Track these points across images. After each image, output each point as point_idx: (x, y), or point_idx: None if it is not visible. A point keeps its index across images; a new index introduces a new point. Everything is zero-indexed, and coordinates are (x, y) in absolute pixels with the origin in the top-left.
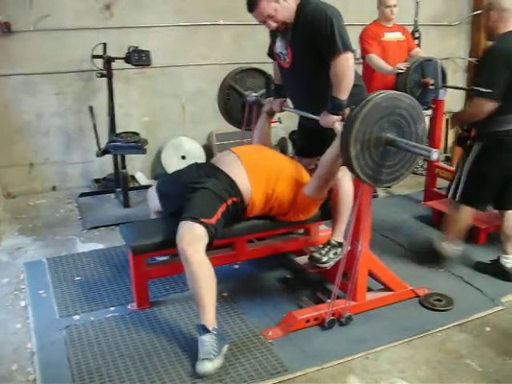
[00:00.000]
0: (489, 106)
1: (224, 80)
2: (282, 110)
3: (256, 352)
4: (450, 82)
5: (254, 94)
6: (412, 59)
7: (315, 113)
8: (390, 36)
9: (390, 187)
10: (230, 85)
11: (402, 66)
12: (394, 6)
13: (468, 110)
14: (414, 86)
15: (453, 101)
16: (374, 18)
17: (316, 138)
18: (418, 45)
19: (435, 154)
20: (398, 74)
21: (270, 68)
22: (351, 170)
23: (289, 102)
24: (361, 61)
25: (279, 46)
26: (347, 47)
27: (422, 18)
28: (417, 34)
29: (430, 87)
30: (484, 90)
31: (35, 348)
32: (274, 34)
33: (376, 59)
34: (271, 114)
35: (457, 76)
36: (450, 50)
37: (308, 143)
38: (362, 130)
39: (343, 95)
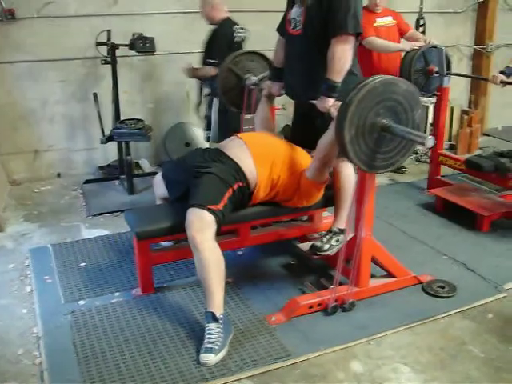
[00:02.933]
0: None
1: (223, 63)
2: (280, 94)
3: (259, 337)
4: (455, 70)
5: (254, 78)
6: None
7: (311, 93)
8: (381, 21)
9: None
10: (229, 68)
11: (420, 44)
12: None
13: None
14: (418, 74)
15: (457, 89)
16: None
17: (311, 126)
18: (423, 32)
19: (430, 141)
20: (406, 53)
21: (271, 55)
22: (345, 154)
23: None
24: None
25: (294, 11)
26: (357, 29)
27: (427, 5)
28: (422, 22)
29: (435, 75)
30: None
31: (41, 332)
32: (291, 2)
33: (378, 40)
34: (271, 98)
35: (462, 64)
36: (455, 37)
37: (303, 131)
38: (357, 115)
39: (337, 77)
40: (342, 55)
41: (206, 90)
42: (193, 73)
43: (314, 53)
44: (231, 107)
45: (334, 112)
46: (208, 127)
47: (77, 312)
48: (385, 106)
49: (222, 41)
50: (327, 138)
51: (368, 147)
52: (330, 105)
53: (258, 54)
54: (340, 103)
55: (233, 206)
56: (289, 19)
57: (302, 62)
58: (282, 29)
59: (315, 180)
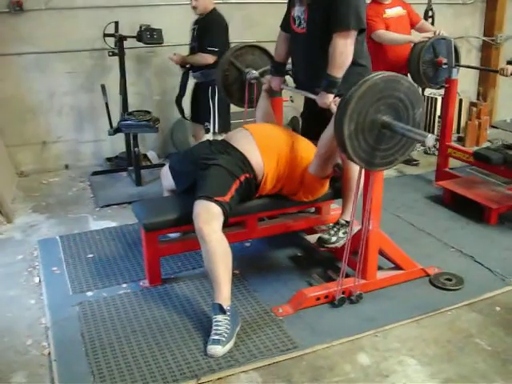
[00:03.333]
0: None
1: (224, 56)
2: (281, 89)
3: (266, 329)
4: (464, 62)
5: (254, 72)
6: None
7: (318, 89)
8: (391, 12)
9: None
10: (230, 61)
11: (429, 35)
12: None
13: None
14: (426, 65)
15: (465, 81)
16: None
17: (320, 117)
18: (432, 23)
19: (430, 140)
20: (415, 45)
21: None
22: (344, 150)
23: (289, 80)
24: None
25: (297, 9)
26: (359, 24)
27: None
28: (430, 13)
29: (443, 66)
30: None
31: (49, 323)
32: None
33: (387, 33)
34: (271, 92)
35: (471, 55)
36: (464, 29)
37: (313, 123)
38: (357, 110)
39: (338, 73)
40: (344, 50)
41: (198, 79)
42: (183, 60)
43: (319, 50)
44: (231, 100)
45: (334, 108)
46: (196, 118)
47: (85, 303)
48: (385, 103)
49: (219, 29)
50: (328, 134)
51: (367, 144)
52: (330, 101)
53: (259, 48)
54: (340, 99)
55: (240, 198)
56: (293, 17)
57: (309, 58)
58: (284, 25)
59: (318, 175)
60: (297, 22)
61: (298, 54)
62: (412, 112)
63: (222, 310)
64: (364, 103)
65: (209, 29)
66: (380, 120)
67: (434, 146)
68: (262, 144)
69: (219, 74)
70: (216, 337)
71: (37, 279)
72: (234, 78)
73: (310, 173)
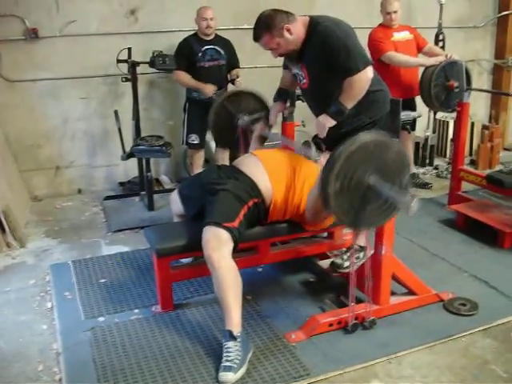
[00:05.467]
0: None
1: (218, 99)
2: (288, 112)
3: (279, 355)
4: (475, 85)
5: (246, 117)
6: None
7: (344, 125)
8: (399, 36)
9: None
10: (223, 105)
11: (441, 59)
12: (395, 12)
13: None
14: (438, 89)
15: (477, 104)
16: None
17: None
18: (442, 47)
19: (414, 207)
20: (426, 69)
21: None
22: (328, 207)
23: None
24: None
25: (294, 67)
26: (366, 62)
27: (446, 20)
28: (441, 37)
29: (455, 90)
30: None
31: (61, 349)
32: (287, 59)
33: (398, 55)
34: (262, 139)
35: (482, 78)
36: (475, 52)
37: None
38: (344, 169)
39: (349, 104)
40: (359, 88)
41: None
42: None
43: (327, 99)
44: (220, 143)
45: (323, 161)
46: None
47: (96, 328)
48: (374, 165)
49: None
50: (314, 192)
51: (351, 204)
52: (329, 125)
53: (253, 95)
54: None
55: (248, 223)
56: (293, 73)
57: (320, 108)
58: (286, 65)
59: (314, 221)
60: (298, 79)
61: (309, 103)
62: (399, 176)
63: (233, 337)
64: (352, 162)
65: (233, 51)
66: (367, 182)
67: (447, 170)
68: (270, 169)
69: (211, 116)
70: (227, 363)
71: (49, 304)
72: (225, 122)
73: (309, 219)
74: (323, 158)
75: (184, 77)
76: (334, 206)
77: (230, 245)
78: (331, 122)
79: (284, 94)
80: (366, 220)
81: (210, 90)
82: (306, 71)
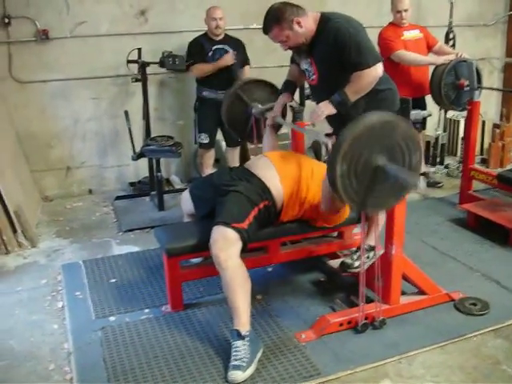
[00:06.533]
0: None
1: (231, 88)
2: (292, 99)
3: (289, 355)
4: (485, 83)
5: (260, 106)
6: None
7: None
8: (409, 35)
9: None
10: (236, 94)
11: (451, 57)
12: (405, 10)
13: None
14: (448, 88)
15: (488, 102)
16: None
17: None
18: (453, 46)
19: (421, 186)
20: (436, 67)
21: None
22: (335, 189)
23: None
24: None
25: (304, 62)
26: (376, 59)
27: (456, 18)
28: (451, 36)
29: (465, 89)
30: None
31: (72, 348)
32: (296, 53)
33: (408, 54)
34: (276, 127)
35: (493, 77)
36: (485, 50)
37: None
38: (351, 151)
39: (353, 96)
40: (367, 83)
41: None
42: None
43: (335, 90)
44: (234, 133)
45: (330, 145)
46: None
47: (107, 328)
48: (381, 146)
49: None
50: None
51: (359, 185)
52: (327, 113)
53: (267, 84)
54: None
55: (259, 225)
56: (302, 69)
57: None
58: (294, 60)
59: (331, 211)
60: (307, 75)
61: (317, 100)
62: (408, 157)
63: (240, 336)
64: (359, 144)
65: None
66: (374, 163)
67: (457, 169)
68: (281, 171)
69: (224, 105)
70: (236, 362)
71: (60, 304)
72: (238, 112)
73: (322, 209)
74: (330, 143)
75: (202, 67)
76: (341, 189)
77: (238, 245)
78: (331, 110)
79: (290, 86)
80: (374, 202)
81: (228, 57)
82: (316, 67)
